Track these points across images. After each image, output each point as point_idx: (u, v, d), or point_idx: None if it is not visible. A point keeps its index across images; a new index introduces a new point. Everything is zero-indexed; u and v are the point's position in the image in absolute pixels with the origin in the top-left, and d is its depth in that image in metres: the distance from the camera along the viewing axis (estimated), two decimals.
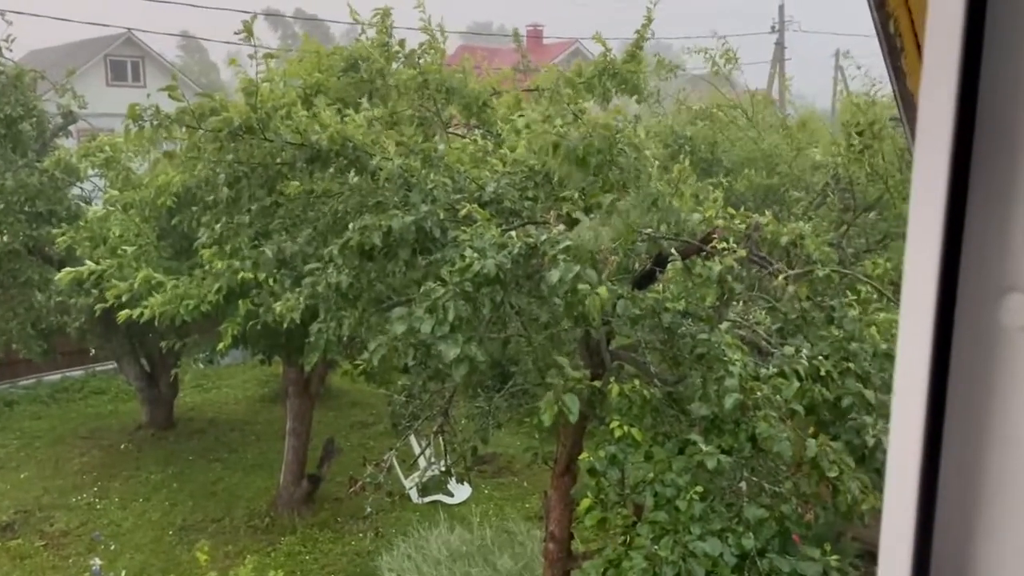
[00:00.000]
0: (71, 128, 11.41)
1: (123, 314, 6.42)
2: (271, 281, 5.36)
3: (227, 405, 12.81)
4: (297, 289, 4.68)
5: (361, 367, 4.65)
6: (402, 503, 9.37)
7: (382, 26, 7.40)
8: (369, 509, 6.23)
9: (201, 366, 9.81)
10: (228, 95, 7.99)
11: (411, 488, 9.36)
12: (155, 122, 4.51)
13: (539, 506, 8.11)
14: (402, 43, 7.14)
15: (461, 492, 9.30)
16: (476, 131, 6.43)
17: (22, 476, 10.05)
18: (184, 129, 4.79)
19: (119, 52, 28.75)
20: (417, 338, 4.05)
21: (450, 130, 6.49)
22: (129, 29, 27.74)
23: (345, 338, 4.50)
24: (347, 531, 9.05)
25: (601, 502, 4.30)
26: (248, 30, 5.57)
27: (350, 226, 4.45)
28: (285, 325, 4.68)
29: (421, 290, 4.06)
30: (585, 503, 4.36)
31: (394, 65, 6.94)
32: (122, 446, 10.99)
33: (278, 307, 4.57)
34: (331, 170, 5.15)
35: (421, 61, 6.57)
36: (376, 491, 5.41)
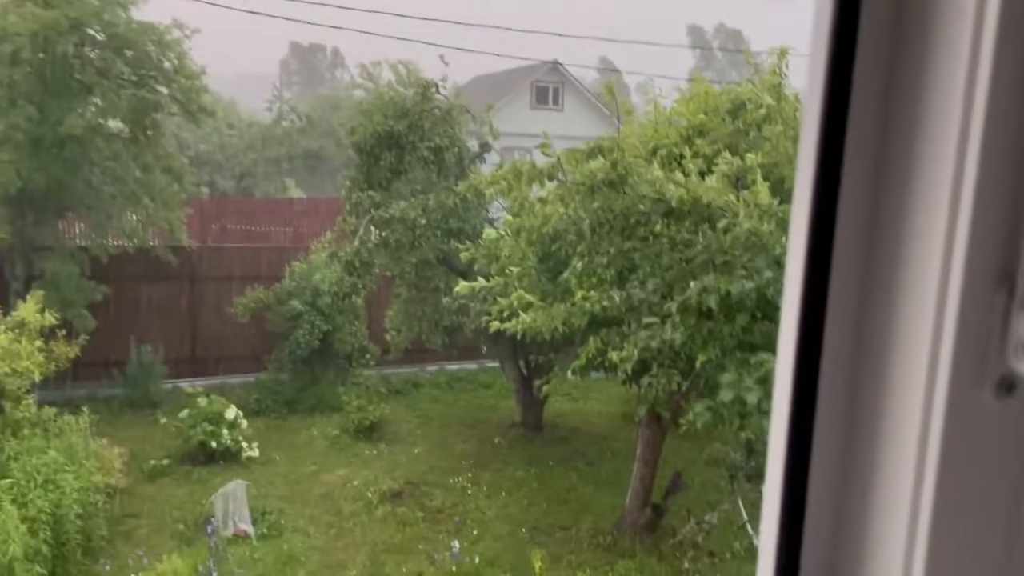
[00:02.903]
0: (496, 146, 12.97)
1: (493, 326, 7.22)
2: (621, 323, 5.62)
3: (590, 417, 13.51)
4: (633, 338, 4.83)
5: (684, 427, 4.65)
6: (751, 553, 9.07)
7: (777, 66, 7.22)
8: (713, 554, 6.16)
9: (571, 376, 10.54)
10: (637, 116, 8.43)
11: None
12: (530, 176, 4.99)
13: None
14: (797, 96, 6.86)
15: None
16: None
17: (415, 451, 11.70)
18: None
19: (544, 79, 31.75)
20: (744, 408, 3.95)
21: None
22: (555, 61, 30.52)
23: (674, 395, 4.54)
24: (686, 569, 9.01)
25: None
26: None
27: (691, 284, 4.48)
28: (619, 372, 4.87)
29: (753, 359, 3.96)
30: None
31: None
32: (496, 440, 12.21)
33: (613, 356, 4.77)
34: (687, 223, 5.22)
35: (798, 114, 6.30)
36: (701, 543, 5.37)
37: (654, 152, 6.91)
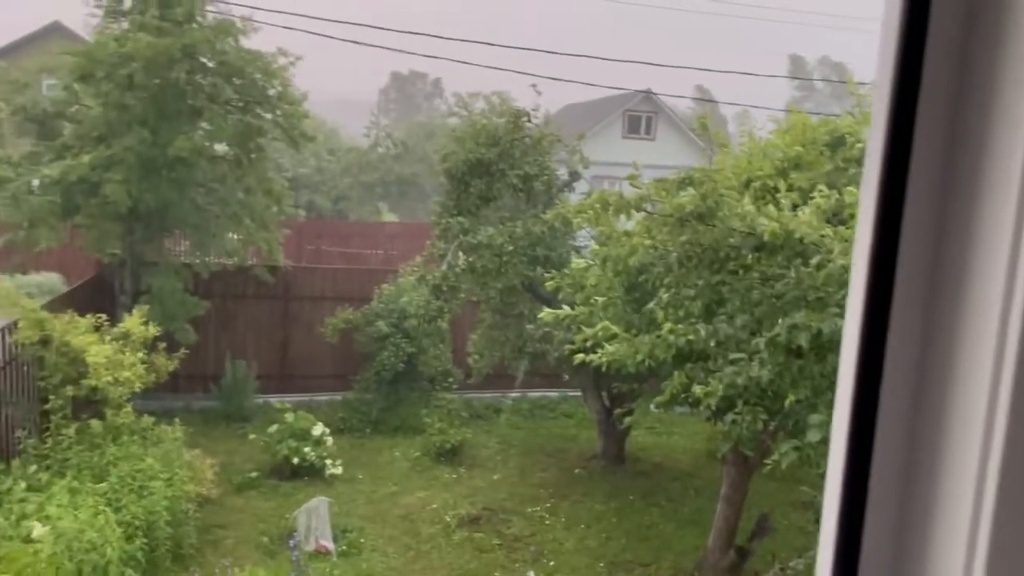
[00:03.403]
0: (586, 175, 12.99)
1: (579, 357, 7.16)
2: (707, 358, 5.49)
3: (674, 453, 13.23)
4: (719, 374, 4.71)
5: (770, 467, 4.49)
6: None
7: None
8: None
9: (654, 410, 10.37)
10: (733, 147, 8.32)
11: None
12: (618, 206, 4.97)
13: None
14: None
15: None
16: None
17: (494, 478, 11.68)
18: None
19: (637, 107, 31.69)
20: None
21: None
22: (648, 90, 30.42)
23: (760, 434, 4.39)
24: None
25: None
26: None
27: (780, 321, 4.35)
28: (702, 408, 4.75)
29: None
30: None
31: None
32: (576, 470, 12.08)
33: (697, 391, 4.66)
34: (778, 258, 5.08)
35: None
36: None
37: (747, 184, 6.77)
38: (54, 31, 25.87)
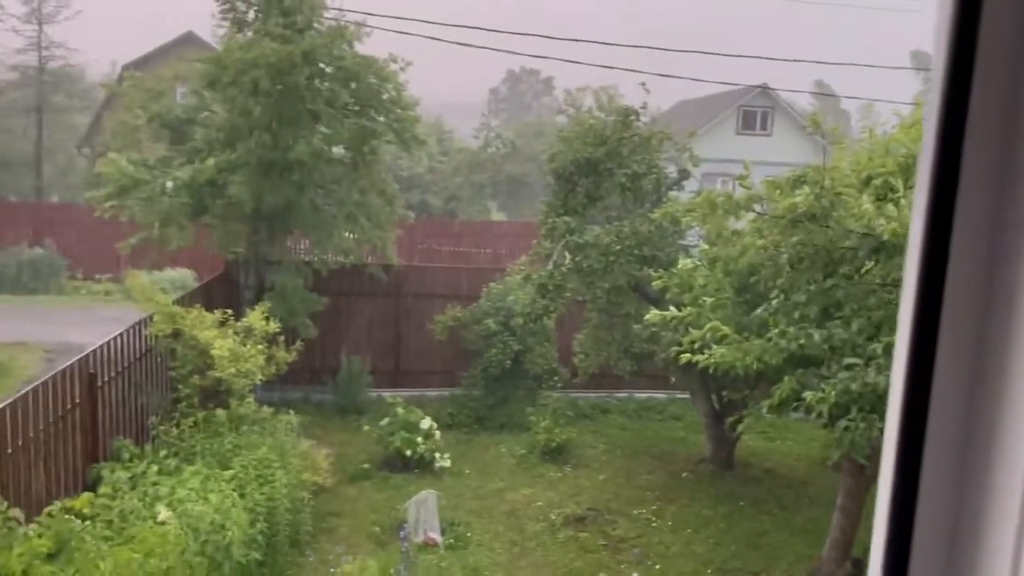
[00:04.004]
0: (697, 173, 12.76)
1: (684, 357, 7.04)
2: (820, 363, 5.30)
3: (787, 459, 12.82)
4: (832, 380, 4.54)
5: None
6: None
7: None
8: None
9: (765, 414, 10.09)
10: (852, 143, 8.02)
11: None
12: (725, 207, 4.86)
13: None
14: None
15: None
16: None
17: (600, 478, 11.64)
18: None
19: (752, 103, 30.82)
20: None
21: None
22: (765, 84, 29.54)
23: (874, 442, 4.21)
24: None
25: None
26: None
27: None
28: (813, 415, 4.59)
29: None
30: None
31: None
32: (683, 474, 11.89)
33: (808, 396, 4.50)
34: (897, 260, 4.85)
35: None
36: None
37: (867, 182, 6.48)
38: (187, 41, 27.43)
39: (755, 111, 31.06)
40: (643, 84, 11.16)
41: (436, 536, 9.30)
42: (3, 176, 31.43)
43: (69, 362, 7.87)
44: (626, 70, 16.16)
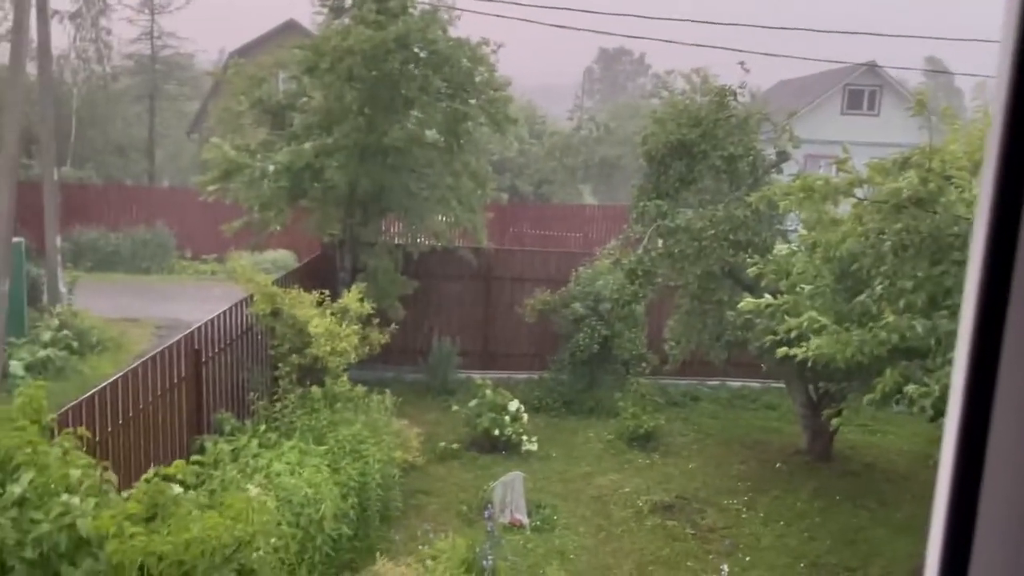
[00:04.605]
0: (798, 155, 12.32)
1: (781, 351, 6.82)
2: (926, 355, 5.03)
3: (888, 453, 12.32)
4: (937, 373, 4.31)
5: None
6: None
7: None
8: None
9: (866, 406, 9.71)
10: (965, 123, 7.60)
11: None
12: (823, 192, 4.65)
13: None
14: None
15: None
16: None
17: (690, 466, 11.46)
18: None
19: (858, 81, 29.50)
20: None
21: None
22: (873, 62, 28.23)
23: None
24: None
25: None
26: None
27: None
28: (916, 409, 4.37)
29: None
30: None
31: None
32: (777, 465, 11.58)
33: (911, 389, 4.29)
34: None
35: None
36: None
37: (980, 165, 6.10)
38: (288, 28, 28.22)
39: (862, 90, 29.70)
40: (742, 63, 10.82)
41: (522, 517, 9.36)
42: (119, 161, 33.17)
43: (176, 338, 8.27)
44: (724, 48, 15.71)
